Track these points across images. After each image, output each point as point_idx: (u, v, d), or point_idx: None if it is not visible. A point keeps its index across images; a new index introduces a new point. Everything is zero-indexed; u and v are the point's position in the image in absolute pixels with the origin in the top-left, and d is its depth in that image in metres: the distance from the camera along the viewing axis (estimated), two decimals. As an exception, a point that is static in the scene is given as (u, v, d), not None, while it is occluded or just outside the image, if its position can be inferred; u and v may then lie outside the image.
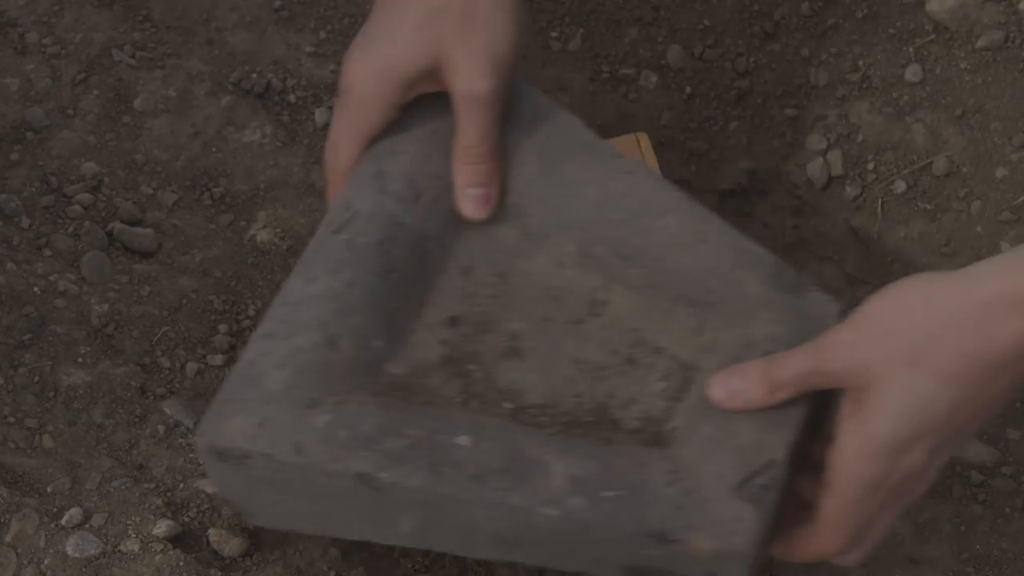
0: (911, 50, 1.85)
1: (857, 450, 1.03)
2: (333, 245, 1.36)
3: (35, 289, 1.57)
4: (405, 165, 1.40)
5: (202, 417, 1.32)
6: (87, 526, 1.41)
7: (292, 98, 1.83)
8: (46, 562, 1.39)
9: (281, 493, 1.31)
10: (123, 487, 1.44)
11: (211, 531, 1.43)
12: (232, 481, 1.32)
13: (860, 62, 1.86)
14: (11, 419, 1.47)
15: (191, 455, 1.48)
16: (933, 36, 1.85)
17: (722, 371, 1.14)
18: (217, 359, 1.58)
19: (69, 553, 1.39)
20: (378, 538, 1.33)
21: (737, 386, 1.13)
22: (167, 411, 1.52)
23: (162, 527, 1.41)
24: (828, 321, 1.30)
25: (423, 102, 1.41)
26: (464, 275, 1.40)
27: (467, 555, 1.32)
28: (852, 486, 1.04)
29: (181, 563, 1.40)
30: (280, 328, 1.32)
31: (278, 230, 1.69)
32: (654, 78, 1.88)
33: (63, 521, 1.41)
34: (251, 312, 1.63)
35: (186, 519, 1.43)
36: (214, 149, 1.76)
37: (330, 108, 1.82)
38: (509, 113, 1.40)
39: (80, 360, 1.53)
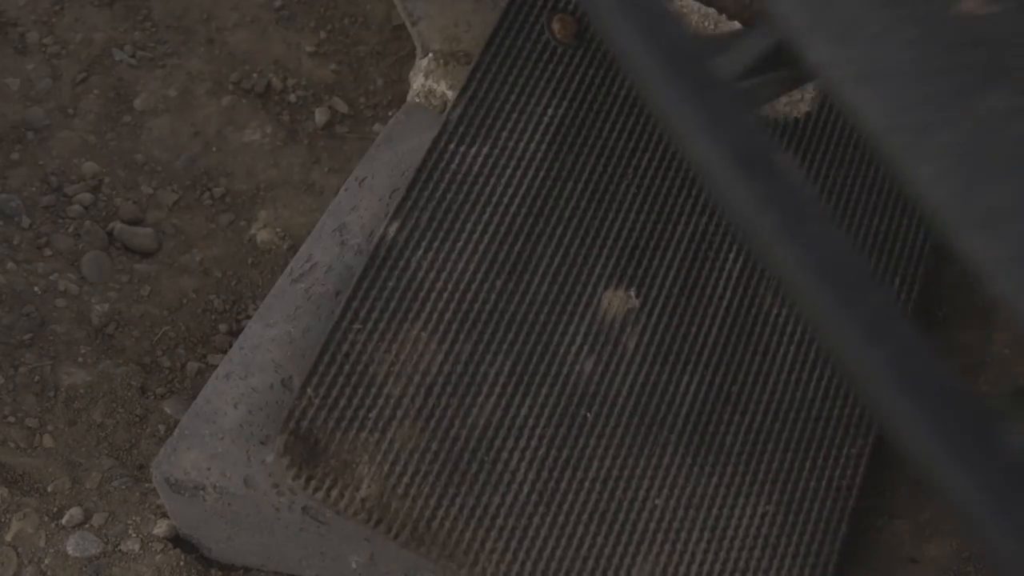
0: (911, 50, 1.85)
1: None
2: (292, 293, 1.44)
3: (35, 289, 1.57)
4: (366, 220, 1.48)
5: (159, 451, 1.38)
6: (87, 526, 1.41)
7: (292, 98, 1.83)
8: (46, 561, 1.39)
9: (234, 527, 1.37)
10: (123, 487, 1.44)
11: (211, 531, 1.43)
12: (188, 514, 1.38)
13: (860, 62, 1.86)
14: (11, 419, 1.47)
15: (191, 455, 1.48)
16: (933, 36, 1.84)
17: None
18: (217, 359, 1.57)
19: (69, 553, 1.39)
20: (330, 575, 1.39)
21: None
22: (167, 411, 1.52)
23: (162, 527, 1.42)
24: None
25: (382, 163, 1.52)
26: None
27: None
28: None
29: (181, 563, 1.40)
30: (237, 369, 1.40)
31: (278, 230, 1.69)
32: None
33: (63, 521, 1.41)
34: (251, 312, 1.63)
35: (186, 519, 1.43)
36: (214, 149, 1.76)
37: (330, 108, 1.83)
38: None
39: (80, 360, 1.53)
